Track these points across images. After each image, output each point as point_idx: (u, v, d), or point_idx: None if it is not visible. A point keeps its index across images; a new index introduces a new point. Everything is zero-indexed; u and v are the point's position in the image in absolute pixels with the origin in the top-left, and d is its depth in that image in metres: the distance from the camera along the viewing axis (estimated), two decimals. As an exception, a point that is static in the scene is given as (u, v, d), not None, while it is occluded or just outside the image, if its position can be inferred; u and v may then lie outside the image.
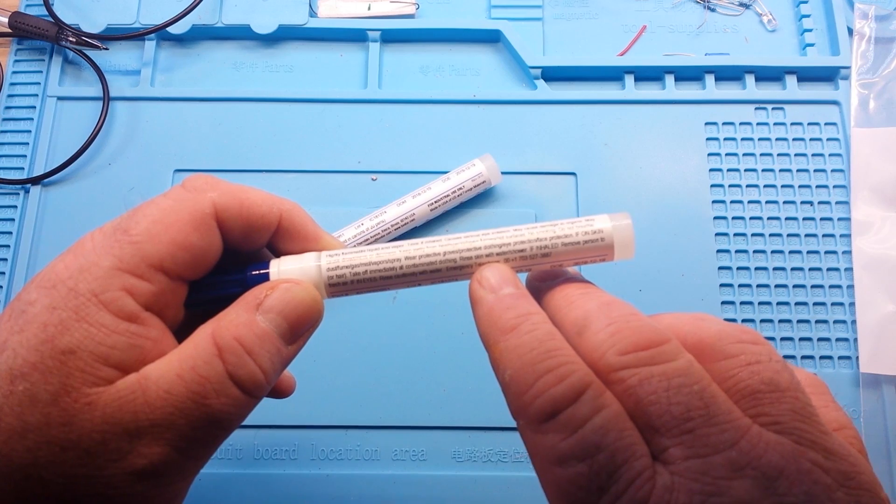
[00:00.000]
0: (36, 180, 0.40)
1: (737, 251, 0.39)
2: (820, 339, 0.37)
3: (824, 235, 0.39)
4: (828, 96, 0.41)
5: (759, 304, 0.38)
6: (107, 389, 0.17)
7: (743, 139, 0.41)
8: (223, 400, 0.18)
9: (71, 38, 0.42)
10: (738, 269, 0.38)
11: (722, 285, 0.38)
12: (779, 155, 0.40)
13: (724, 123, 0.41)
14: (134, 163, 0.41)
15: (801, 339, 0.37)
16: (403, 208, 0.38)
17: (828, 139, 0.40)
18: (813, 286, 0.38)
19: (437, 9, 0.44)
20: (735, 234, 0.39)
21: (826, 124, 0.41)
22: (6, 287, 0.38)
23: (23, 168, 0.41)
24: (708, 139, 0.41)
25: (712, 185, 0.40)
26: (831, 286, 0.38)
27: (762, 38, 0.43)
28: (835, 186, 0.40)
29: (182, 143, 0.41)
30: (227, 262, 0.21)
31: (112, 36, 0.42)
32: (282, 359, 0.20)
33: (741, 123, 0.41)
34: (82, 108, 0.42)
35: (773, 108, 0.41)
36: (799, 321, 0.37)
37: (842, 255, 0.38)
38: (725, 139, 0.41)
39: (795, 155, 0.40)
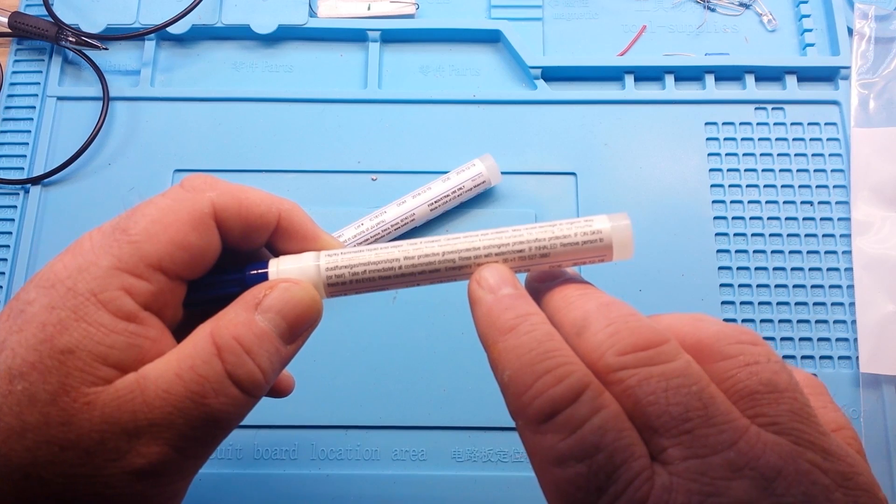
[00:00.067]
0: (36, 180, 0.40)
1: (737, 251, 0.39)
2: (820, 339, 0.37)
3: (824, 235, 0.39)
4: (828, 96, 0.41)
5: (759, 304, 0.38)
6: (105, 389, 0.17)
7: (743, 139, 0.40)
8: (222, 399, 0.18)
9: (71, 38, 0.42)
10: (738, 269, 0.38)
11: (722, 285, 0.38)
12: (779, 155, 0.40)
13: (724, 123, 0.41)
14: (134, 163, 0.41)
15: (801, 339, 0.37)
16: (403, 208, 0.38)
17: (828, 139, 0.40)
18: (813, 286, 0.38)
19: (437, 9, 0.44)
20: (735, 234, 0.39)
21: (826, 124, 0.41)
22: (6, 287, 0.38)
23: (23, 168, 0.41)
24: (708, 139, 0.41)
25: (712, 185, 0.40)
26: (831, 286, 0.38)
27: (762, 38, 0.43)
28: (835, 186, 0.39)
29: (182, 143, 0.41)
30: (226, 261, 0.21)
31: (112, 36, 0.42)
32: (280, 358, 0.20)
33: (741, 123, 0.41)
34: (82, 108, 0.42)
35: (773, 108, 0.41)
36: (799, 321, 0.37)
37: (842, 255, 0.38)
38: (725, 139, 0.41)
39: (795, 155, 0.40)
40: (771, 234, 0.39)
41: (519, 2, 0.43)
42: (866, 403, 0.36)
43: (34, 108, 0.42)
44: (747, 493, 0.15)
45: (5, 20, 0.42)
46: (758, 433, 0.16)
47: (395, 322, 0.37)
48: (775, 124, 0.41)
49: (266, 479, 0.35)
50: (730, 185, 0.40)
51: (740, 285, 0.38)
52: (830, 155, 0.40)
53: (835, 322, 0.37)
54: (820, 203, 0.39)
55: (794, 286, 0.38)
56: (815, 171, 0.40)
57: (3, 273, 0.39)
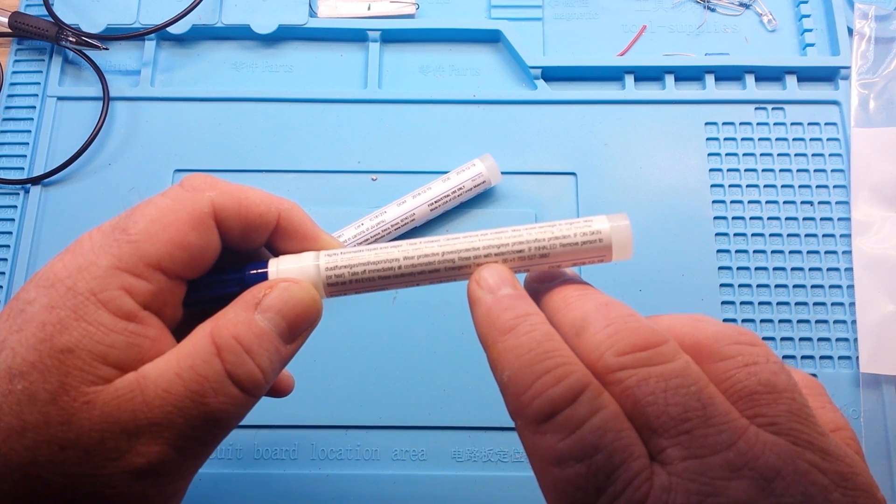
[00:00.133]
0: (36, 180, 0.40)
1: (737, 251, 0.39)
2: (820, 339, 0.37)
3: (824, 235, 0.39)
4: (828, 96, 0.41)
5: (759, 304, 0.38)
6: (105, 388, 0.17)
7: (743, 139, 0.40)
8: (222, 399, 0.18)
9: (71, 38, 0.42)
10: (738, 269, 0.38)
11: (722, 285, 0.38)
12: (779, 155, 0.40)
13: (724, 123, 0.41)
14: (134, 163, 0.41)
15: (801, 339, 0.37)
16: (403, 208, 0.38)
17: (828, 139, 0.40)
18: (813, 286, 0.38)
19: (437, 9, 0.44)
20: (735, 234, 0.39)
21: (826, 124, 0.41)
22: (6, 287, 0.38)
23: (23, 168, 0.41)
24: (708, 139, 0.41)
25: (712, 185, 0.40)
26: (831, 286, 0.38)
27: (762, 38, 0.43)
28: (835, 186, 0.39)
29: (182, 143, 0.41)
30: (226, 261, 0.21)
31: (112, 36, 0.42)
32: (280, 358, 0.20)
33: (741, 123, 0.41)
34: (82, 108, 0.42)
35: (773, 108, 0.41)
36: (799, 321, 0.37)
37: (842, 255, 0.38)
38: (725, 139, 0.41)
39: (795, 155, 0.40)
40: (771, 234, 0.39)
41: (519, 2, 0.43)
42: (866, 403, 0.36)
43: (34, 108, 0.42)
44: (746, 493, 0.15)
45: (5, 20, 0.42)
46: (756, 433, 0.16)
47: (395, 322, 0.37)
48: (775, 124, 0.41)
49: (266, 479, 0.35)
50: (730, 185, 0.40)
51: (740, 285, 0.38)
52: (830, 155, 0.40)
53: (835, 322, 0.37)
54: (820, 203, 0.39)
55: (794, 286, 0.38)
56: (815, 171, 0.40)
57: (3, 273, 0.39)
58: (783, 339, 0.37)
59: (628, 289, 0.38)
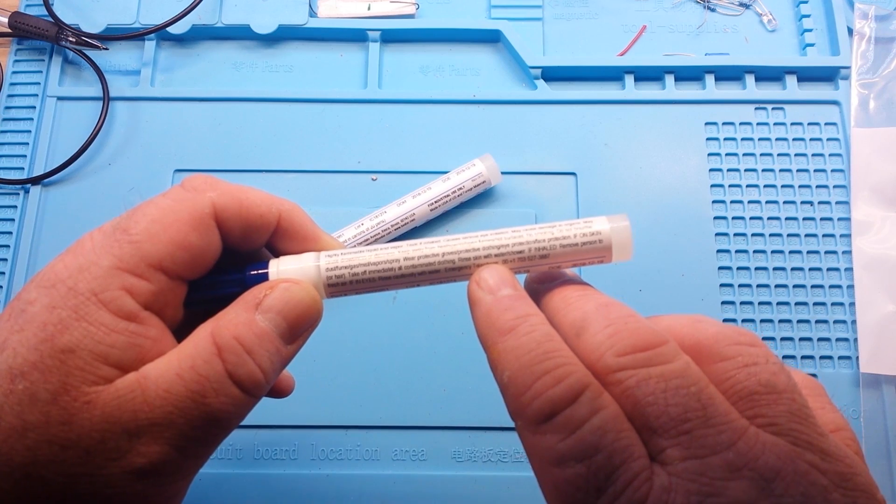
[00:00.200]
0: (36, 180, 0.40)
1: (737, 251, 0.39)
2: (820, 339, 0.37)
3: (824, 235, 0.39)
4: (828, 96, 0.41)
5: (759, 304, 0.38)
6: (106, 388, 0.17)
7: (743, 139, 0.41)
8: (222, 399, 0.18)
9: (71, 38, 0.42)
10: (738, 269, 0.38)
11: (722, 285, 0.38)
12: (779, 155, 0.40)
13: (724, 123, 0.41)
14: (134, 163, 0.41)
15: (801, 339, 0.37)
16: (403, 208, 0.38)
17: (828, 139, 0.40)
18: (813, 286, 0.38)
19: (437, 9, 0.44)
20: (735, 234, 0.39)
21: (826, 124, 0.41)
22: (6, 287, 0.38)
23: (23, 168, 0.41)
24: (708, 139, 0.41)
25: (712, 185, 0.40)
26: (831, 286, 0.38)
27: (762, 38, 0.43)
28: (835, 186, 0.40)
29: (182, 143, 0.41)
30: (227, 261, 0.21)
31: (112, 36, 0.42)
32: (281, 358, 0.20)
33: (741, 123, 0.41)
34: (82, 108, 0.42)
35: (773, 108, 0.41)
36: (799, 321, 0.37)
37: (842, 255, 0.38)
38: (725, 139, 0.41)
39: (795, 155, 0.40)
40: (771, 234, 0.39)
41: (519, 2, 0.43)
42: (866, 403, 0.36)
43: (34, 108, 0.42)
44: (746, 493, 0.15)
45: (5, 20, 0.42)
46: (756, 434, 0.16)
47: (395, 322, 0.37)
48: (775, 124, 0.41)
49: (266, 479, 0.35)
50: (730, 185, 0.40)
51: (740, 285, 0.38)
52: (830, 155, 0.40)
53: (835, 322, 0.37)
54: (820, 203, 0.39)
55: (794, 286, 0.38)
56: (815, 171, 0.40)
57: (3, 273, 0.39)
58: (783, 339, 0.37)
59: (628, 289, 0.38)
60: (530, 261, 0.20)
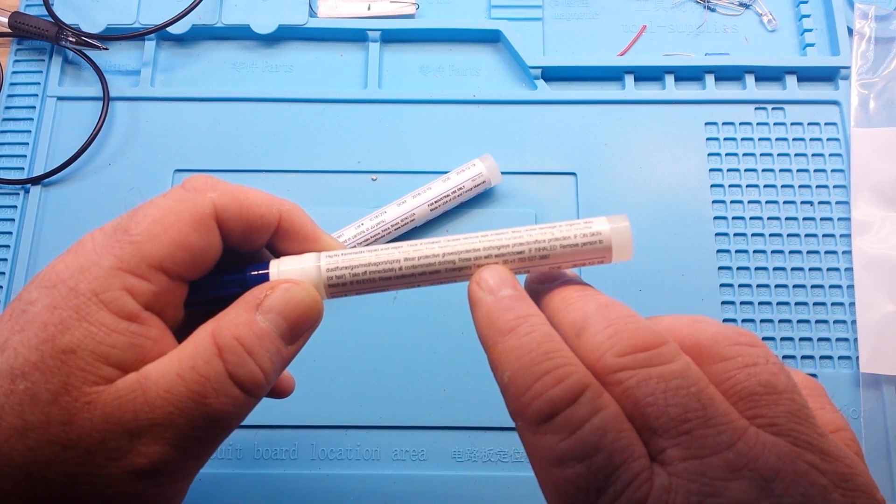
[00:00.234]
0: (36, 180, 0.40)
1: (737, 251, 0.39)
2: (820, 339, 0.37)
3: (824, 235, 0.39)
4: (828, 96, 0.41)
5: (759, 304, 0.38)
6: (107, 388, 0.17)
7: (743, 139, 0.41)
8: (223, 399, 0.18)
9: (71, 38, 0.42)
10: (738, 269, 0.38)
11: (722, 285, 0.38)
12: (779, 155, 0.40)
13: (724, 123, 0.41)
14: (134, 163, 0.41)
15: (801, 339, 0.37)
16: (403, 208, 0.38)
17: (828, 139, 0.40)
18: (813, 286, 0.38)
19: (437, 9, 0.44)
20: (735, 234, 0.39)
21: (826, 124, 0.41)
22: (6, 287, 0.38)
23: (23, 168, 0.41)
24: (708, 139, 0.41)
25: (712, 185, 0.40)
26: (831, 286, 0.38)
27: (762, 38, 0.43)
28: (835, 186, 0.40)
29: (182, 143, 0.41)
30: (227, 262, 0.21)
31: (112, 36, 0.42)
32: (282, 359, 0.20)
33: (741, 123, 0.41)
34: (82, 108, 0.42)
35: (773, 108, 0.41)
36: (799, 321, 0.37)
37: (842, 255, 0.38)
38: (725, 139, 0.41)
39: (795, 155, 0.40)
40: (771, 234, 0.39)
41: (519, 2, 0.43)
42: (866, 403, 0.36)
43: (34, 108, 0.42)
44: (746, 493, 0.15)
45: (5, 20, 0.42)
46: (756, 434, 0.16)
47: (395, 322, 0.37)
48: (775, 124, 0.41)
49: (266, 479, 0.35)
50: (730, 185, 0.40)
51: (740, 285, 0.38)
52: (830, 155, 0.40)
53: (835, 322, 0.37)
54: (820, 203, 0.39)
55: (794, 286, 0.38)
56: (815, 171, 0.40)
57: (3, 273, 0.39)
58: (783, 339, 0.37)
59: (628, 289, 0.38)
60: (531, 261, 0.20)
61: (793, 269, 0.38)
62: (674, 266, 0.38)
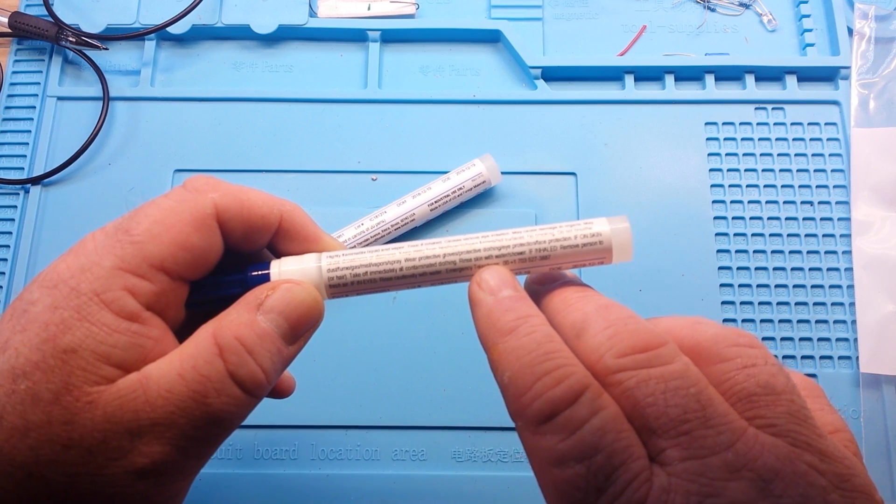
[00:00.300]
0: (36, 180, 0.40)
1: (737, 251, 0.39)
2: (820, 339, 0.37)
3: (824, 235, 0.39)
4: (828, 96, 0.41)
5: (759, 304, 0.38)
6: (108, 388, 0.18)
7: (743, 139, 0.41)
8: (224, 399, 0.18)
9: (71, 38, 0.42)
10: (738, 269, 0.38)
11: (722, 285, 0.38)
12: (779, 155, 0.40)
13: (724, 123, 0.41)
14: (134, 163, 0.41)
15: (801, 339, 0.37)
16: (403, 208, 0.38)
17: (828, 139, 0.40)
18: (813, 286, 0.38)
19: (437, 9, 0.44)
20: (735, 234, 0.39)
21: (826, 124, 0.41)
22: (6, 287, 0.38)
23: (23, 168, 0.41)
24: (708, 139, 0.41)
25: (712, 185, 0.40)
26: (831, 286, 0.38)
27: (762, 38, 0.43)
28: (835, 186, 0.40)
29: (182, 143, 0.41)
30: (228, 262, 0.21)
31: (112, 36, 0.42)
32: (282, 359, 0.20)
33: (741, 123, 0.41)
34: (82, 108, 0.42)
35: (773, 108, 0.41)
36: (799, 321, 0.37)
37: (842, 255, 0.38)
38: (725, 139, 0.41)
39: (795, 155, 0.40)
40: (771, 234, 0.39)
41: (519, 2, 0.44)
42: (866, 403, 0.36)
43: (34, 108, 0.42)
44: (745, 493, 0.15)
45: (5, 20, 0.42)
46: (755, 435, 0.16)
47: (395, 322, 0.37)
48: (775, 124, 0.41)
49: (266, 479, 0.35)
50: (730, 185, 0.40)
51: (740, 285, 0.38)
52: (830, 155, 0.40)
53: (835, 322, 0.37)
54: (820, 203, 0.39)
55: (794, 286, 0.38)
56: (815, 171, 0.40)
57: (3, 273, 0.39)
58: (783, 339, 0.37)
59: (628, 289, 0.38)
60: (531, 262, 0.20)
61: (793, 269, 0.38)
62: (674, 266, 0.38)
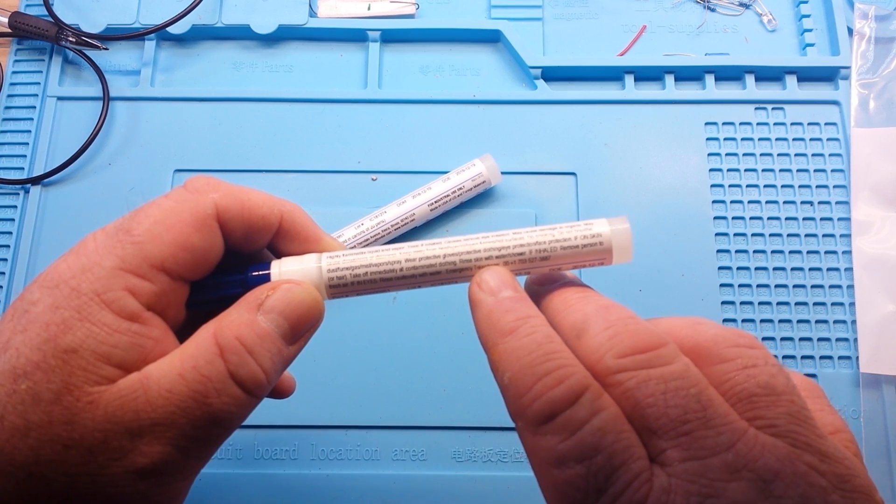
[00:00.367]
0: (36, 180, 0.40)
1: (737, 251, 0.39)
2: (820, 339, 0.37)
3: (824, 235, 0.39)
4: (828, 96, 0.41)
5: (759, 304, 0.38)
6: (109, 388, 0.18)
7: (743, 139, 0.41)
8: (224, 399, 0.18)
9: (71, 38, 0.42)
10: (738, 269, 0.38)
11: (722, 285, 0.38)
12: (779, 155, 0.40)
13: (724, 123, 0.41)
14: (134, 163, 0.41)
15: (801, 339, 0.37)
16: (403, 208, 0.38)
17: (828, 139, 0.40)
18: (813, 286, 0.38)
19: (437, 9, 0.44)
20: (735, 234, 0.39)
21: (826, 124, 0.41)
22: (6, 287, 0.38)
23: (23, 168, 0.41)
24: (708, 139, 0.41)
25: (712, 185, 0.40)
26: (831, 286, 0.38)
27: (762, 38, 0.43)
28: (835, 186, 0.40)
29: (182, 143, 0.41)
30: (229, 262, 0.21)
31: (112, 36, 0.42)
32: (283, 359, 0.20)
33: (741, 123, 0.41)
34: (82, 108, 0.42)
35: (773, 108, 0.41)
36: (799, 321, 0.37)
37: (842, 255, 0.38)
38: (725, 139, 0.41)
39: (795, 155, 0.40)
40: (771, 234, 0.39)
41: (519, 2, 0.44)
42: (866, 403, 0.36)
43: (34, 108, 0.42)
44: (745, 494, 0.15)
45: (5, 20, 0.42)
46: (756, 435, 0.16)
47: (395, 322, 0.37)
48: (775, 124, 0.41)
49: (266, 479, 0.35)
50: (730, 185, 0.40)
51: (740, 285, 0.38)
52: (830, 155, 0.40)
53: (835, 322, 0.37)
54: (820, 203, 0.39)
55: (794, 286, 0.38)
56: (815, 171, 0.40)
57: (3, 273, 0.39)
58: (783, 339, 0.37)
59: (628, 289, 0.38)
60: (531, 262, 0.20)
61: (793, 269, 0.38)
62: (674, 266, 0.38)
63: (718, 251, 0.39)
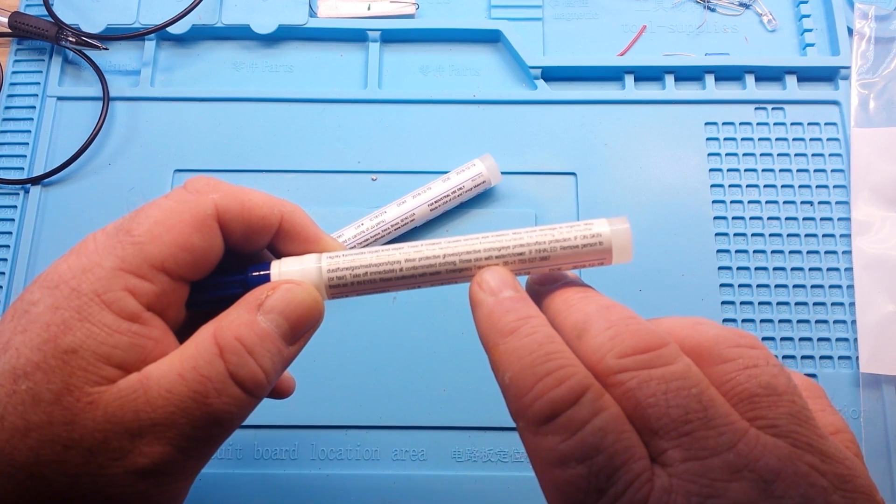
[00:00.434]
0: (36, 180, 0.40)
1: (737, 251, 0.39)
2: (820, 339, 0.37)
3: (824, 235, 0.39)
4: (828, 96, 0.41)
5: (759, 304, 0.38)
6: (109, 389, 0.18)
7: (743, 139, 0.41)
8: (224, 399, 0.18)
9: (71, 38, 0.42)
10: (738, 269, 0.38)
11: (722, 285, 0.38)
12: (779, 155, 0.40)
13: (724, 123, 0.41)
14: (134, 163, 0.41)
15: (801, 339, 0.37)
16: (403, 208, 0.38)
17: (828, 139, 0.40)
18: (813, 286, 0.38)
19: (437, 9, 0.44)
20: (735, 234, 0.39)
21: (826, 124, 0.41)
22: (6, 287, 0.38)
23: (23, 168, 0.41)
24: (708, 139, 0.41)
25: (712, 185, 0.40)
26: (831, 286, 0.38)
27: (762, 38, 0.43)
28: (835, 186, 0.40)
29: (182, 143, 0.41)
30: (229, 263, 0.21)
31: (112, 36, 0.42)
32: (283, 359, 0.20)
33: (741, 123, 0.41)
34: (82, 108, 0.42)
35: (773, 108, 0.41)
36: (799, 321, 0.37)
37: (842, 255, 0.38)
38: (725, 139, 0.41)
39: (795, 155, 0.40)
40: (771, 234, 0.39)
41: (519, 2, 0.44)
42: (866, 403, 0.36)
43: (34, 108, 0.42)
44: (746, 494, 0.15)
45: (5, 20, 0.42)
46: (757, 435, 0.16)
47: (395, 322, 0.37)
48: (775, 124, 0.41)
49: (266, 479, 0.35)
50: (730, 185, 0.40)
51: (740, 285, 0.38)
52: (830, 155, 0.40)
53: (835, 322, 0.37)
54: (820, 203, 0.39)
55: (794, 286, 0.38)
56: (815, 171, 0.40)
57: (3, 273, 0.39)
58: (783, 339, 0.37)
59: (628, 289, 0.38)
60: (531, 262, 0.20)
61: (793, 269, 0.38)
62: (674, 266, 0.38)
63: (718, 251, 0.39)
